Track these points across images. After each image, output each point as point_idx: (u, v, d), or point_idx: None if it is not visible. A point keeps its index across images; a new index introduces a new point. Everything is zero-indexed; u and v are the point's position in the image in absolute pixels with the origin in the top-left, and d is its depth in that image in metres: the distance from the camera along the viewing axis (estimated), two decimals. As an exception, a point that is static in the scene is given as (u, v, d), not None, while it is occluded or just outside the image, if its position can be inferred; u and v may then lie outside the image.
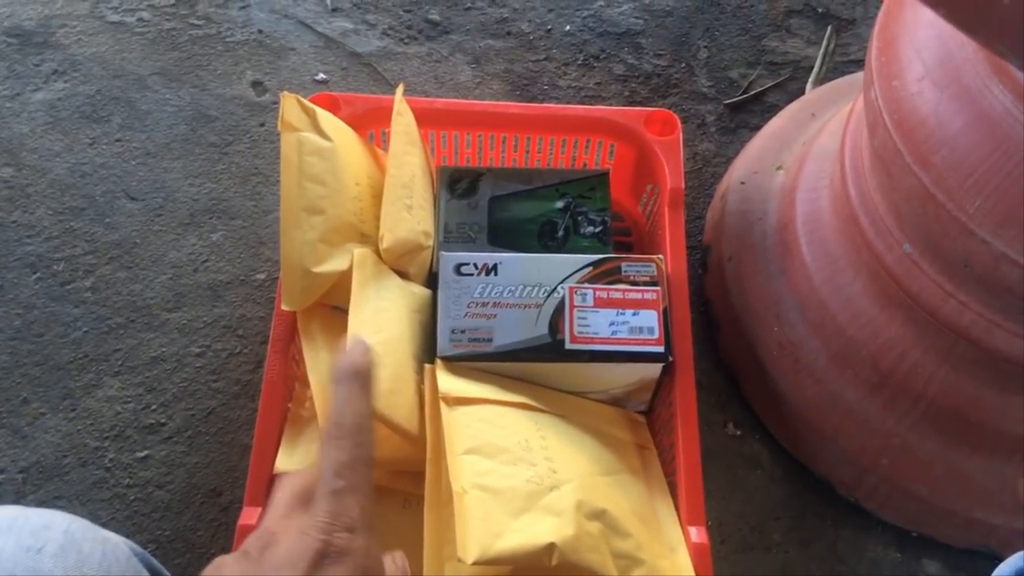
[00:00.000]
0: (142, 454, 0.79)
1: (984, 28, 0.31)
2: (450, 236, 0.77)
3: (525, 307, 0.68)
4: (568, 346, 0.67)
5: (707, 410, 0.82)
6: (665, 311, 0.69)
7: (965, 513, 0.73)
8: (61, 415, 0.80)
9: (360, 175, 0.72)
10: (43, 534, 0.47)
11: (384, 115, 0.76)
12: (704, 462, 0.66)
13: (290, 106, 0.68)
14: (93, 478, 0.78)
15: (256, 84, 0.98)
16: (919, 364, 0.69)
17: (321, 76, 0.99)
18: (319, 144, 0.69)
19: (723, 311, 0.83)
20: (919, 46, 0.59)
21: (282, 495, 0.43)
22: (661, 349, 0.67)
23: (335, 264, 0.68)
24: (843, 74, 0.99)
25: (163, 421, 0.80)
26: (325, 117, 0.71)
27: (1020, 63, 0.30)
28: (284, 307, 0.67)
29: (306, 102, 0.70)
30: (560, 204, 0.79)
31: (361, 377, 0.42)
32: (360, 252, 0.68)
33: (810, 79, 1.00)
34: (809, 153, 0.82)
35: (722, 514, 0.78)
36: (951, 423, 0.70)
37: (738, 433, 0.81)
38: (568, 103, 0.99)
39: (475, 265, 0.70)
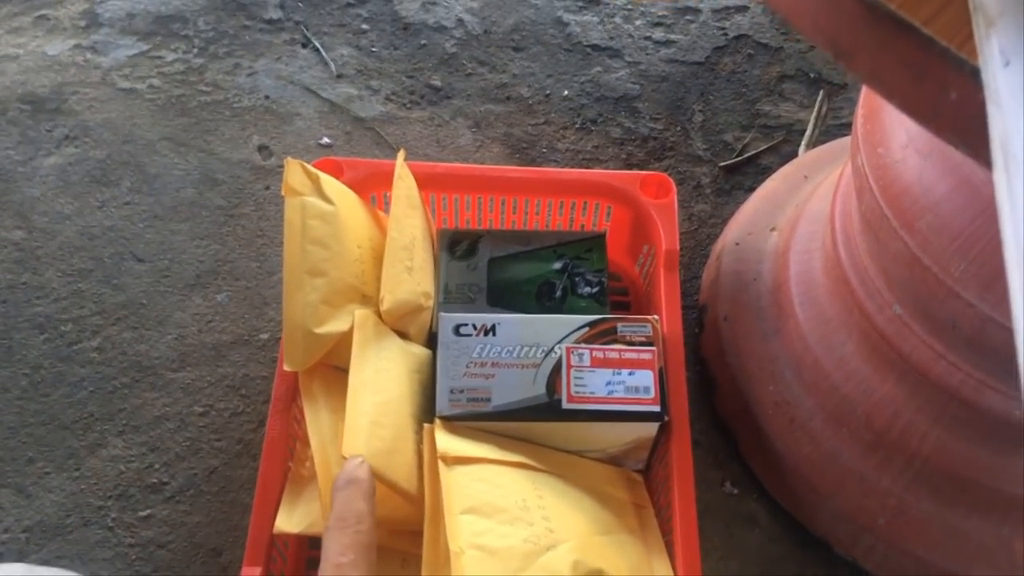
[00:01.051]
0: (144, 513, 0.80)
1: (935, 120, 0.32)
2: (450, 297, 0.79)
3: (523, 367, 0.70)
4: (565, 406, 0.68)
5: (704, 468, 0.82)
6: (661, 371, 0.70)
7: (963, 573, 0.73)
8: (65, 474, 0.81)
9: (362, 238, 0.74)
10: (49, 593, 0.48)
11: (386, 179, 0.78)
12: (701, 521, 0.67)
13: (294, 171, 0.70)
14: (96, 537, 0.79)
15: (262, 148, 1.01)
16: (912, 423, 0.70)
17: (325, 140, 1.02)
18: (322, 208, 0.71)
19: (719, 370, 0.84)
20: (902, 115, 0.61)
21: None
22: (657, 408, 0.68)
23: (336, 325, 0.69)
24: (835, 137, 1.01)
25: (166, 480, 0.81)
26: (328, 182, 0.73)
27: (969, 153, 0.31)
28: (286, 367, 0.69)
29: (310, 167, 0.72)
30: (558, 265, 0.81)
31: (358, 483, 0.46)
32: (361, 313, 0.70)
33: (803, 142, 1.02)
34: (802, 215, 0.84)
35: (720, 573, 0.78)
36: (946, 482, 0.71)
37: (735, 492, 0.82)
38: (566, 166, 1.01)
39: (474, 326, 0.71)
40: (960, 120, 0.31)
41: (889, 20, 0.30)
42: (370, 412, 0.64)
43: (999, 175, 0.23)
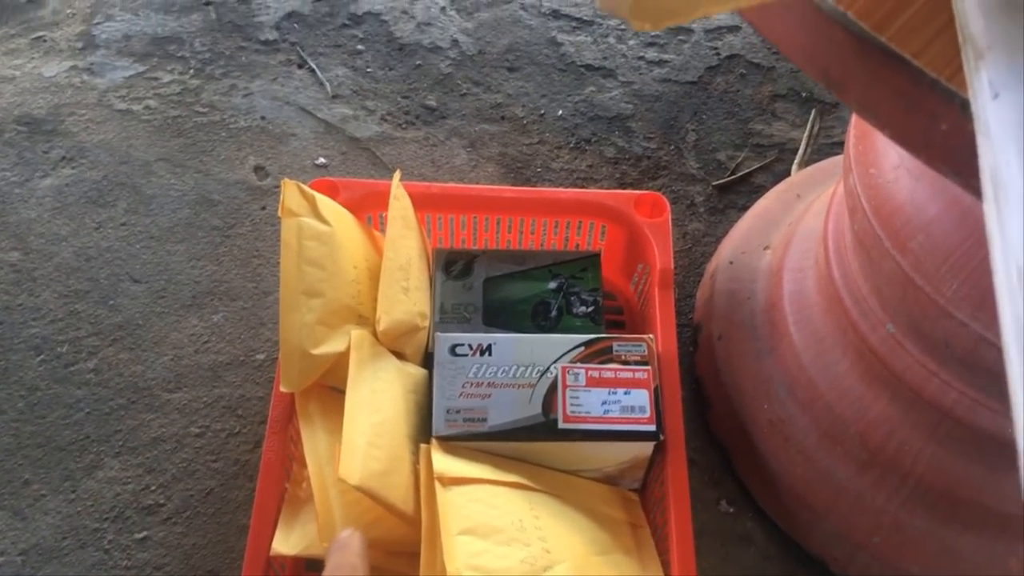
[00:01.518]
0: (140, 535, 0.80)
1: (926, 150, 0.33)
2: (445, 317, 0.79)
3: (519, 387, 0.70)
4: (561, 425, 0.68)
5: (700, 487, 0.82)
6: (656, 390, 0.70)
7: (957, 590, 0.73)
8: (61, 496, 0.81)
9: (358, 258, 0.74)
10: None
11: (382, 199, 0.79)
12: (697, 540, 0.67)
13: (290, 192, 0.71)
14: (92, 560, 0.79)
15: (258, 169, 1.01)
16: (906, 442, 0.70)
17: (321, 160, 1.02)
18: (318, 229, 0.71)
19: (714, 389, 0.84)
20: (893, 136, 0.62)
21: None
22: (652, 428, 0.68)
23: (333, 346, 0.69)
24: (827, 156, 1.02)
25: (162, 502, 0.81)
26: (324, 202, 0.73)
27: (959, 182, 0.32)
28: (282, 388, 0.69)
29: (306, 188, 0.72)
30: (553, 285, 0.81)
31: (350, 546, 0.49)
32: (357, 334, 0.70)
33: (795, 161, 1.03)
34: (795, 233, 0.84)
35: (717, 592, 0.78)
36: (940, 500, 0.71)
37: (731, 510, 0.82)
38: (561, 185, 1.01)
39: (470, 346, 0.71)
40: (951, 150, 0.32)
41: (879, 52, 0.31)
42: (366, 433, 0.65)
43: (989, 207, 0.23)
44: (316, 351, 0.68)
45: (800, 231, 0.84)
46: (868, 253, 0.65)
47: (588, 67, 1.12)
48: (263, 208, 0.98)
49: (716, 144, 1.05)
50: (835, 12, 0.31)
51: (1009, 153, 0.23)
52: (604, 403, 0.69)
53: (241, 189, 1.00)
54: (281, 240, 0.69)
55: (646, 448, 0.70)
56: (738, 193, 1.02)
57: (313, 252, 0.70)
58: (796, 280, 0.80)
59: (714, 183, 1.02)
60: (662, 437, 0.68)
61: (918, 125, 0.32)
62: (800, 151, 1.04)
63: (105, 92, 1.07)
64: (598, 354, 0.72)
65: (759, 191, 1.00)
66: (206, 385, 0.87)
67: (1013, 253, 0.21)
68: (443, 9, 1.16)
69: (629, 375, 0.71)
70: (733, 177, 1.03)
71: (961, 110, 0.30)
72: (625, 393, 0.70)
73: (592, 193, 0.84)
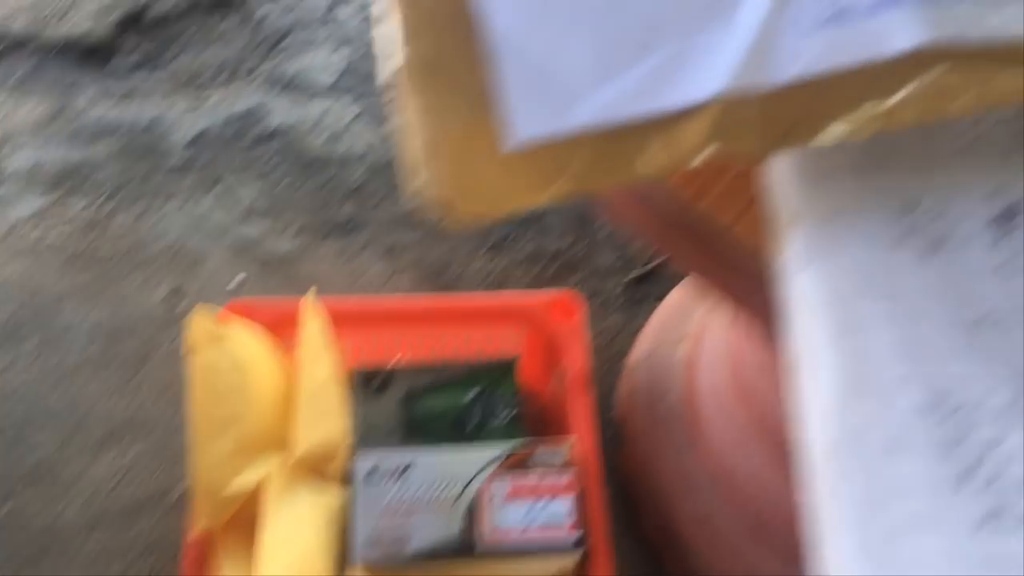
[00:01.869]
0: None
1: (751, 310, 0.34)
2: (365, 436, 0.78)
3: (440, 505, 0.69)
4: (483, 544, 0.68)
5: (632, 590, 0.82)
6: (579, 496, 0.70)
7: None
8: (-28, 658, 0.78)
9: (272, 385, 0.73)
10: None
11: (297, 319, 0.78)
12: (632, 649, 0.66)
13: (199, 324, 0.70)
14: None
15: (173, 293, 1.00)
16: (828, 530, 0.70)
17: (238, 279, 1.02)
18: (229, 359, 0.70)
19: (639, 487, 0.84)
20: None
21: None
22: (575, 537, 0.68)
23: (248, 478, 0.68)
24: (737, 241, 1.04)
25: (79, 655, 0.78)
26: (234, 331, 0.73)
27: (784, 340, 0.33)
28: (198, 526, 0.67)
29: (214, 318, 0.71)
30: (472, 394, 0.81)
31: None
32: (272, 464, 0.69)
33: (706, 248, 1.05)
34: (708, 324, 0.86)
35: None
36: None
37: (666, 612, 0.81)
38: (478, 288, 1.02)
39: (389, 467, 0.71)
40: (771, 313, 0.33)
41: (701, 223, 0.32)
42: (285, 567, 0.63)
43: (798, 375, 0.24)
44: (231, 486, 0.67)
45: (713, 321, 0.85)
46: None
47: (500, 168, 1.13)
48: (178, 336, 0.97)
49: (629, 235, 1.07)
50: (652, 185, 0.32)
51: (815, 323, 0.24)
52: (527, 515, 0.69)
53: (155, 317, 0.98)
54: (191, 375, 0.68)
55: (572, 558, 0.69)
56: (654, 284, 1.03)
57: (224, 383, 0.69)
58: (711, 371, 0.81)
59: (630, 276, 1.04)
60: (586, 546, 0.68)
61: (740, 288, 0.33)
62: (710, 238, 1.06)
63: (14, 225, 1.05)
64: (518, 464, 0.71)
65: (675, 281, 1.01)
66: (124, 524, 0.85)
67: (817, 427, 0.22)
68: (354, 119, 1.18)
69: (551, 482, 0.70)
70: (648, 267, 1.04)
71: (775, 277, 0.31)
72: (548, 502, 0.69)
73: (504, 298, 0.85)
